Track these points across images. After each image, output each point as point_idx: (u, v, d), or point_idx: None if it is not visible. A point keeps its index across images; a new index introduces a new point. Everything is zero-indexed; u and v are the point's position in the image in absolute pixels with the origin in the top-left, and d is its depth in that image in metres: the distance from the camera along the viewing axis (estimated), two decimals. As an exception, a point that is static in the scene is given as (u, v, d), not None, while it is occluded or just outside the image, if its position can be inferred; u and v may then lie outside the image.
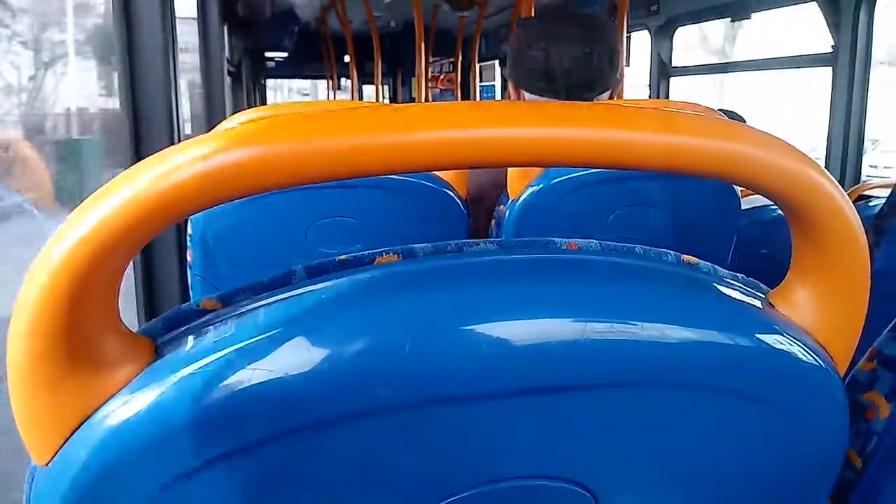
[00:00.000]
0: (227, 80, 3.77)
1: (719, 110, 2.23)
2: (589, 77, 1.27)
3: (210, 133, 0.35)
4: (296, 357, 0.35)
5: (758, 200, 1.50)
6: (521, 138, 0.35)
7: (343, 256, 0.42)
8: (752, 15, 2.67)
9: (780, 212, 0.41)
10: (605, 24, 1.34)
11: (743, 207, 1.26)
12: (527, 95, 1.33)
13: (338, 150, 0.33)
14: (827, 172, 0.39)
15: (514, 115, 0.35)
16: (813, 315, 0.42)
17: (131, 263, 0.43)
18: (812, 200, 0.39)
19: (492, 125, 0.34)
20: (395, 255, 0.42)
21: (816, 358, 0.41)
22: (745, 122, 2.14)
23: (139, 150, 1.39)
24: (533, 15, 2.18)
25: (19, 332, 0.33)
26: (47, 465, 0.35)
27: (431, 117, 0.34)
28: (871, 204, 1.49)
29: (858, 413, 0.49)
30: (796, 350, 0.41)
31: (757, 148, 0.37)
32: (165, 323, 0.39)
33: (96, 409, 0.35)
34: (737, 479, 0.44)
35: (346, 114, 0.34)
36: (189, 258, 1.14)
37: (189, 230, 1.12)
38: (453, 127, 0.34)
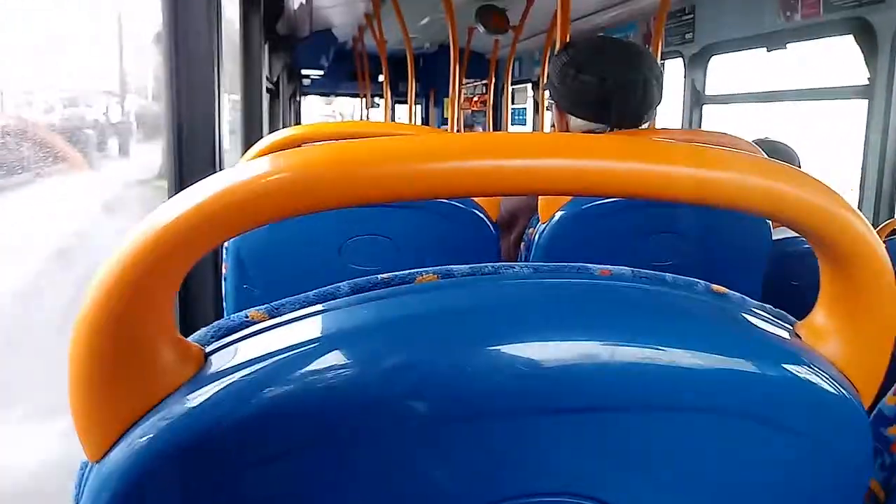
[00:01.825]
0: (266, 96, 3.83)
1: (764, 140, 2.21)
2: (641, 106, 1.28)
3: (266, 155, 0.37)
4: (338, 368, 0.37)
5: (790, 231, 1.49)
6: (554, 170, 0.36)
7: (385, 275, 0.43)
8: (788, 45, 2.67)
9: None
10: (650, 54, 1.35)
11: (774, 237, 1.26)
12: (573, 120, 1.34)
13: (382, 175, 0.35)
14: (856, 209, 0.40)
15: (548, 146, 0.37)
16: (839, 347, 0.43)
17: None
18: (841, 237, 0.40)
19: (528, 156, 0.36)
20: (435, 276, 0.44)
21: (842, 389, 0.42)
22: (791, 150, 2.13)
23: (181, 161, 1.43)
24: (568, 41, 2.20)
25: (82, 332, 0.35)
26: (99, 461, 0.37)
27: (470, 147, 0.36)
28: None
29: (883, 446, 0.50)
30: (822, 381, 0.41)
31: (787, 184, 0.38)
32: (215, 332, 0.41)
33: (149, 411, 0.37)
34: None
35: (389, 143, 0.36)
36: (224, 271, 1.17)
37: (225, 245, 1.15)
38: (492, 157, 0.36)
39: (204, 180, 0.35)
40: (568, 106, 1.33)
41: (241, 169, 0.35)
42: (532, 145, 0.37)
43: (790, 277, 1.30)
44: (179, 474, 0.37)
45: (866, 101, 2.20)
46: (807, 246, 1.52)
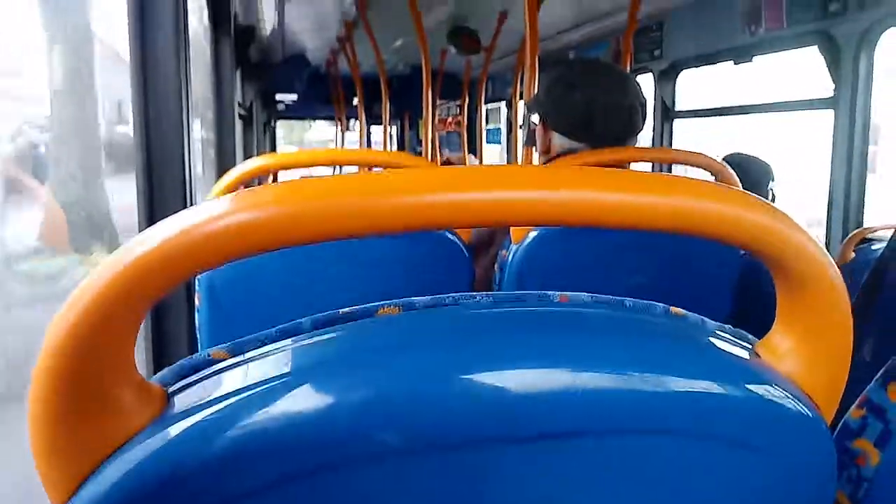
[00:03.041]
0: (239, 122, 3.83)
1: (732, 155, 2.24)
2: (625, 130, 1.30)
3: (228, 193, 0.37)
4: (301, 404, 0.37)
5: None
6: (525, 201, 0.37)
7: (346, 309, 0.43)
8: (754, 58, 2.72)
9: None
10: (637, 81, 1.37)
11: (742, 253, 1.27)
12: (556, 136, 1.35)
13: (352, 211, 0.35)
14: (807, 232, 0.41)
15: (517, 178, 0.37)
16: (798, 365, 0.44)
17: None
18: (795, 259, 0.40)
19: (498, 188, 0.36)
20: (396, 308, 0.44)
21: (802, 406, 0.43)
22: (764, 164, 2.16)
23: (152, 190, 1.42)
24: (537, 61, 2.22)
25: (40, 378, 0.35)
26: None
27: (440, 181, 0.36)
28: (873, 248, 1.49)
29: (849, 460, 0.50)
30: (782, 398, 0.42)
31: (741, 208, 0.39)
32: (177, 372, 0.41)
33: (111, 454, 0.37)
34: None
35: (360, 179, 0.36)
36: (197, 303, 1.16)
37: (197, 278, 1.14)
38: (462, 190, 0.36)
39: (159, 223, 0.35)
40: (554, 123, 1.34)
41: (196, 210, 0.35)
42: (500, 178, 0.37)
43: (763, 284, 1.32)
44: None
45: (832, 111, 2.24)
46: None
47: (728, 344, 0.44)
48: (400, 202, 0.35)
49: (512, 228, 1.12)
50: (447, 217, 0.36)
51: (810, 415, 0.43)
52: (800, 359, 0.44)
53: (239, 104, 3.87)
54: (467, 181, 0.36)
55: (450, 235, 1.15)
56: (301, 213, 0.35)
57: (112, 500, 0.36)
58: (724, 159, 2.07)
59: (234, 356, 0.41)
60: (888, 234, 1.49)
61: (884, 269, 1.23)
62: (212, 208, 0.34)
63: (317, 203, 0.35)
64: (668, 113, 3.31)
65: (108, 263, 0.34)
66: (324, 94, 6.80)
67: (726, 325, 0.46)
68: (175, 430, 0.36)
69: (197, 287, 1.14)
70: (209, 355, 0.41)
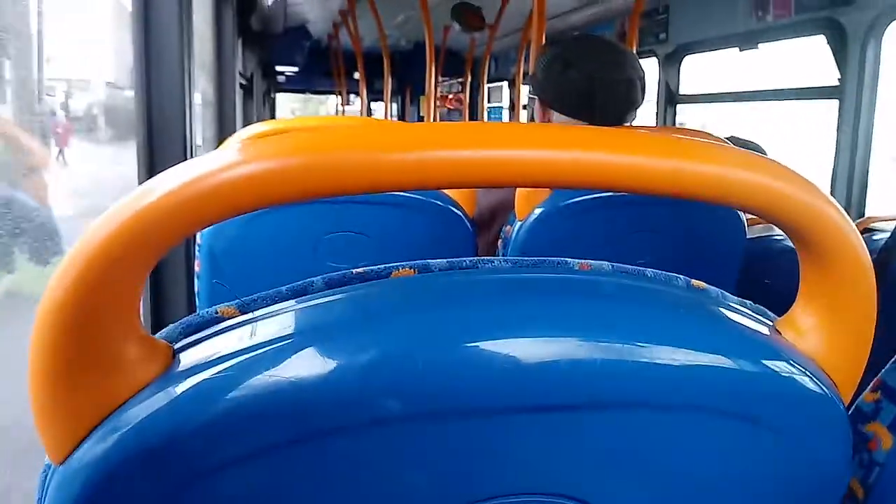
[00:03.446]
0: (239, 92, 3.79)
1: (730, 137, 2.24)
2: (624, 105, 1.29)
3: (230, 145, 0.36)
4: (310, 365, 0.36)
5: (766, 229, 1.51)
6: (529, 160, 0.35)
7: (360, 269, 0.42)
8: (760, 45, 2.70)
9: (785, 242, 0.42)
10: (635, 56, 1.36)
11: (749, 236, 1.27)
12: (555, 115, 1.34)
13: (354, 165, 0.34)
14: (836, 203, 0.40)
15: (523, 136, 0.36)
16: (819, 343, 0.43)
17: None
18: (821, 231, 0.39)
19: (502, 146, 0.35)
20: (411, 270, 0.43)
21: (821, 385, 0.42)
22: (762, 150, 2.15)
23: (153, 157, 1.41)
24: (545, 40, 2.19)
25: (42, 331, 0.34)
26: (62, 463, 0.36)
27: (444, 137, 0.35)
28: (875, 237, 1.49)
29: (861, 443, 0.50)
30: (801, 377, 0.41)
31: (767, 177, 0.38)
32: (184, 328, 0.40)
33: (113, 411, 0.36)
34: (738, 502, 0.44)
35: (361, 131, 0.35)
36: (197, 268, 1.15)
37: (198, 241, 1.13)
38: (466, 147, 0.35)
39: (167, 171, 0.34)
40: (552, 101, 1.33)
41: (206, 159, 0.34)
42: (502, 135, 0.36)
43: (764, 276, 1.32)
44: (146, 477, 0.36)
45: (837, 100, 2.23)
46: (780, 245, 1.54)
47: (749, 319, 0.43)
48: (418, 157, 0.34)
49: (518, 205, 1.11)
50: (473, 174, 0.35)
51: (829, 395, 0.42)
52: (821, 337, 0.43)
53: (240, 74, 3.82)
54: (500, 137, 0.35)
55: (454, 209, 1.14)
56: (313, 164, 0.34)
57: (113, 458, 0.35)
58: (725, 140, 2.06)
59: (242, 314, 0.40)
60: (891, 224, 1.49)
61: (886, 257, 1.23)
62: (221, 157, 0.33)
63: (332, 154, 0.34)
64: (671, 97, 3.29)
65: (114, 212, 0.33)
66: (325, 67, 6.74)
67: (747, 301, 0.46)
68: (180, 388, 0.36)
69: (197, 253, 1.13)
70: (217, 312, 0.40)
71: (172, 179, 0.33)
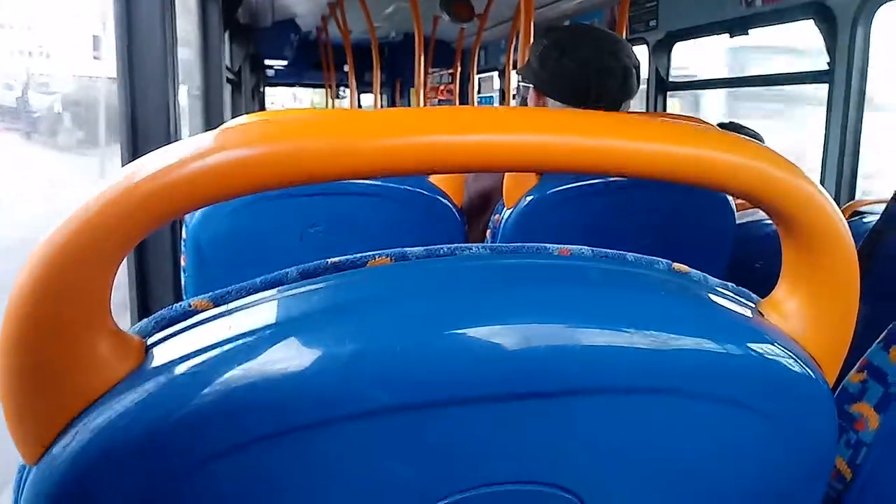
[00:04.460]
0: (227, 87, 3.77)
1: (729, 123, 2.23)
2: (619, 93, 1.30)
3: (204, 133, 0.35)
4: (286, 358, 0.35)
5: (753, 215, 1.51)
6: (515, 143, 0.35)
7: (335, 259, 0.42)
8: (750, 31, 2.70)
9: (774, 226, 0.42)
10: (629, 44, 1.36)
11: (739, 222, 1.27)
12: (550, 103, 1.34)
13: (335, 150, 0.33)
14: (819, 185, 0.39)
15: (509, 120, 0.35)
16: (802, 325, 0.43)
17: (125, 265, 0.43)
18: (803, 212, 0.39)
19: (488, 130, 0.35)
20: (388, 258, 0.42)
21: (805, 367, 0.41)
22: (757, 134, 2.15)
23: (136, 154, 1.39)
24: (532, 29, 2.19)
25: (8, 327, 0.33)
26: (36, 463, 0.35)
27: (427, 121, 0.34)
28: (865, 220, 1.49)
29: (848, 424, 0.50)
30: (785, 359, 0.41)
31: (751, 159, 0.38)
32: (157, 323, 0.39)
33: (86, 408, 0.35)
34: (725, 487, 0.44)
35: (343, 116, 0.34)
36: (183, 262, 1.14)
37: (183, 235, 1.12)
38: (450, 131, 0.34)
39: (139, 159, 0.33)
40: (547, 89, 1.33)
41: (175, 148, 0.33)
42: (488, 119, 0.35)
43: (753, 259, 1.32)
44: (121, 476, 0.35)
45: (826, 85, 2.23)
46: (768, 229, 1.54)
47: (731, 302, 0.43)
48: (404, 142, 0.34)
49: (506, 193, 1.10)
50: (448, 158, 0.34)
51: (813, 376, 0.42)
52: (804, 318, 0.43)
53: (227, 68, 3.80)
54: (485, 120, 0.35)
55: (441, 199, 1.13)
56: (293, 150, 0.33)
57: (86, 458, 0.34)
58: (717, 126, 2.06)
59: (216, 306, 0.39)
60: (880, 207, 1.50)
61: (876, 239, 1.23)
62: (199, 143, 0.32)
63: (312, 141, 0.33)
64: (662, 84, 3.29)
65: (80, 206, 0.32)
66: (314, 60, 6.72)
67: (729, 283, 0.45)
68: (153, 384, 0.35)
69: (183, 246, 1.12)
70: (190, 305, 0.40)
71: (136, 171, 0.32)
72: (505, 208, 1.11)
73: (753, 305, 0.44)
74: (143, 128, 1.41)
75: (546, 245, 0.45)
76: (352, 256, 0.42)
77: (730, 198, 1.20)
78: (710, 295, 0.43)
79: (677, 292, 0.43)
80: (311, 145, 0.33)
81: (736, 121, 2.18)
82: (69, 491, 0.34)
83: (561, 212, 1.09)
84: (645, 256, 0.45)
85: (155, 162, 0.32)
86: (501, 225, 1.10)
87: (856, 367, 0.52)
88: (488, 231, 1.18)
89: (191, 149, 0.32)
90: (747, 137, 0.39)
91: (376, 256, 0.42)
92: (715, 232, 1.23)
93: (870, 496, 0.49)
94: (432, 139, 0.34)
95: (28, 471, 0.36)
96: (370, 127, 0.34)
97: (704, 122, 1.28)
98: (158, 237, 1.39)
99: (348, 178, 0.34)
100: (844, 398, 0.51)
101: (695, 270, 0.45)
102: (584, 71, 1.28)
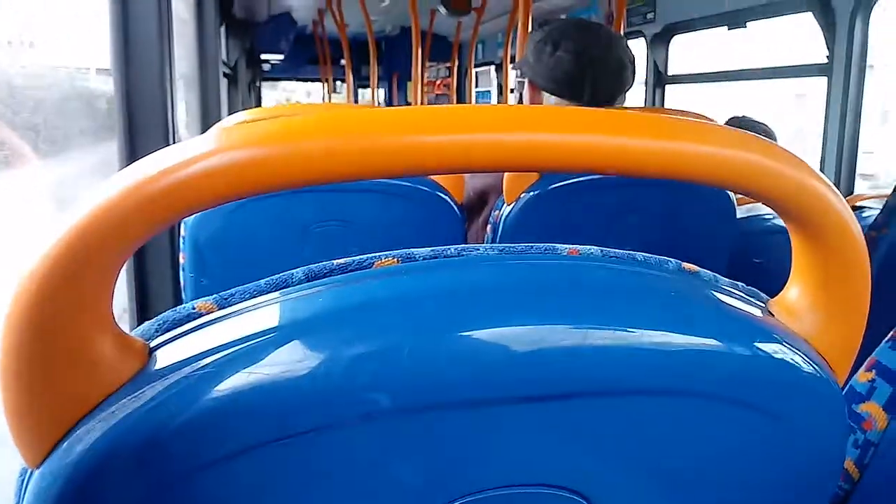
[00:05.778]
0: (224, 81, 3.76)
1: (740, 118, 2.23)
2: (615, 85, 1.30)
3: (207, 133, 0.34)
4: (292, 361, 0.35)
5: (754, 210, 1.51)
6: (517, 143, 0.34)
7: (342, 260, 0.41)
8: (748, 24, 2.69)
9: (775, 221, 0.41)
10: (624, 38, 1.37)
11: (738, 216, 1.27)
12: (546, 97, 1.34)
13: (336, 151, 0.33)
14: (828, 181, 0.39)
15: (510, 119, 0.35)
16: (813, 325, 0.42)
17: (126, 266, 0.43)
18: (813, 208, 0.39)
19: (489, 130, 0.34)
20: (395, 259, 0.42)
21: (815, 367, 0.41)
22: (768, 129, 2.14)
23: (133, 151, 1.38)
24: (530, 22, 2.19)
25: (10, 330, 0.32)
26: (38, 467, 0.35)
27: (430, 121, 0.34)
28: (864, 215, 1.49)
29: (856, 424, 0.49)
30: (795, 359, 0.41)
31: (757, 155, 0.37)
32: (160, 325, 0.39)
33: (89, 412, 0.35)
34: (734, 488, 0.43)
35: (344, 116, 0.34)
36: (182, 261, 1.14)
37: (182, 233, 1.12)
38: (452, 131, 0.34)
39: (136, 163, 0.33)
40: (542, 83, 1.33)
41: (180, 148, 0.32)
42: (490, 118, 0.35)
43: (753, 255, 1.32)
44: (125, 479, 0.35)
45: (825, 78, 2.22)
46: (769, 224, 1.54)
47: (741, 302, 0.42)
48: (407, 141, 0.33)
49: (506, 189, 1.10)
50: (454, 159, 0.34)
51: (823, 377, 0.41)
52: (815, 318, 0.42)
53: (224, 63, 3.79)
54: (487, 120, 0.34)
55: (442, 195, 1.13)
56: (295, 152, 0.32)
57: (89, 462, 0.34)
58: (727, 122, 2.06)
59: (221, 308, 0.39)
60: (879, 202, 1.49)
61: (877, 233, 1.23)
62: (201, 145, 0.32)
63: (310, 143, 0.32)
64: (660, 78, 3.28)
65: (82, 206, 0.32)
66: (310, 54, 6.71)
67: (739, 283, 0.45)
68: (156, 388, 0.34)
69: (182, 245, 1.12)
70: (194, 307, 0.39)
71: (138, 173, 0.32)
72: (505, 204, 1.10)
73: (763, 305, 0.44)
74: (138, 123, 1.40)
75: (555, 245, 0.44)
76: (358, 258, 0.41)
77: (731, 193, 1.20)
78: (722, 296, 0.42)
79: (689, 294, 0.42)
80: (314, 146, 0.32)
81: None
82: (72, 494, 0.34)
83: (561, 208, 1.09)
84: (654, 256, 0.44)
85: (157, 164, 0.32)
86: (502, 220, 1.10)
87: (864, 365, 0.51)
88: (488, 227, 1.18)
89: (193, 151, 0.32)
90: (748, 132, 0.38)
91: (383, 257, 0.42)
92: (716, 227, 1.23)
93: (877, 497, 0.48)
94: (435, 139, 0.34)
95: (30, 474, 0.35)
96: (370, 127, 0.33)
97: (704, 116, 1.27)
98: (157, 236, 1.39)
99: (352, 179, 0.34)
100: (853, 397, 0.51)
101: (704, 270, 0.45)
102: (578, 64, 1.28)
